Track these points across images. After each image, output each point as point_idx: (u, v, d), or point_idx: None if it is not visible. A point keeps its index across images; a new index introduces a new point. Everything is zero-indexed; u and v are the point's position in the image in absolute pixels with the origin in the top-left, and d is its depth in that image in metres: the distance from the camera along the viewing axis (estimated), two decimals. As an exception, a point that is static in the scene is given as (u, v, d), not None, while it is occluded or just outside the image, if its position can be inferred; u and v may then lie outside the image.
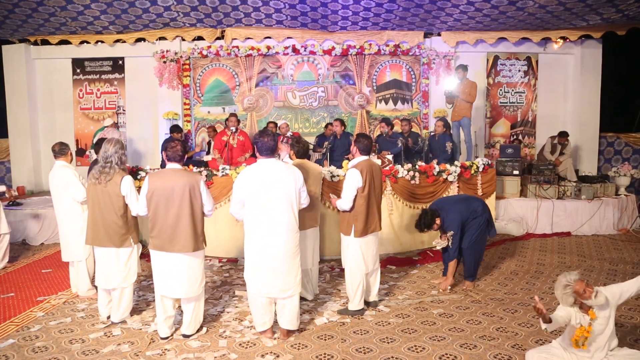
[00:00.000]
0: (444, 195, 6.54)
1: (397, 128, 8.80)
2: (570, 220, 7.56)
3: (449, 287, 5.03)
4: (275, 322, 4.00)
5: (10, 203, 7.57)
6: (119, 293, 4.18)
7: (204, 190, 3.86)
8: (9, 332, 4.04)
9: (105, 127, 9.06)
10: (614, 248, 6.71)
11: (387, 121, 8.35)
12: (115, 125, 9.17)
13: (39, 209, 7.27)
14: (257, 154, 3.85)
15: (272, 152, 3.80)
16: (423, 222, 4.98)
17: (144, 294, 4.95)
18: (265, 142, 3.76)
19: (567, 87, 10.02)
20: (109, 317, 4.27)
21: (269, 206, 3.67)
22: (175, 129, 8.45)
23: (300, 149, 4.64)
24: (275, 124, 8.84)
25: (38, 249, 6.87)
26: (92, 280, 4.76)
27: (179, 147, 3.88)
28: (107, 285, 4.18)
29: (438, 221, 4.95)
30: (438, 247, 5.09)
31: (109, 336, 3.98)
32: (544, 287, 5.10)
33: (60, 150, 4.85)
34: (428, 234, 5.32)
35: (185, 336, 3.92)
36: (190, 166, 6.60)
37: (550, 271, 5.65)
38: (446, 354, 3.62)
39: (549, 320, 3.16)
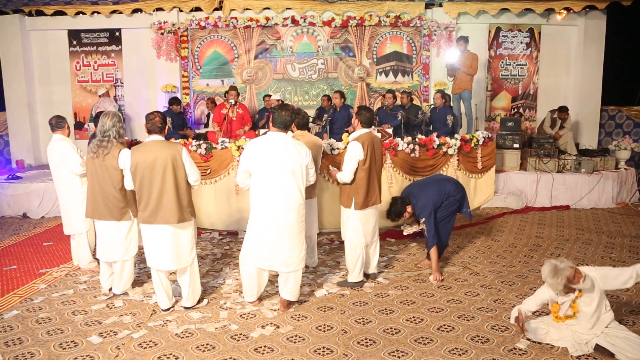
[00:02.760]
0: (443, 169, 6.54)
1: (398, 101, 8.73)
2: (570, 193, 7.57)
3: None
4: (276, 293, 4.05)
5: (10, 177, 7.56)
6: (120, 266, 4.21)
7: (187, 160, 3.81)
8: (13, 304, 4.10)
9: (99, 95, 8.91)
10: (612, 221, 6.74)
11: (392, 93, 8.29)
12: (108, 94, 8.99)
13: (39, 183, 7.26)
14: (270, 125, 3.85)
15: (285, 127, 3.78)
16: (393, 211, 4.64)
17: (144, 266, 4.98)
18: (281, 115, 3.75)
19: (569, 59, 9.89)
20: (110, 290, 4.32)
21: (274, 179, 3.67)
22: (174, 101, 8.38)
23: (301, 121, 4.63)
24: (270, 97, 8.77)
25: (39, 222, 6.89)
26: (94, 253, 4.80)
27: (157, 118, 3.83)
28: (108, 258, 4.21)
29: (409, 209, 4.61)
30: (405, 233, 4.88)
31: (111, 308, 4.03)
32: (542, 260, 5.13)
33: (57, 123, 4.81)
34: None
35: (186, 308, 3.97)
36: (190, 140, 6.56)
37: (548, 244, 5.69)
38: (444, 325, 3.67)
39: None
